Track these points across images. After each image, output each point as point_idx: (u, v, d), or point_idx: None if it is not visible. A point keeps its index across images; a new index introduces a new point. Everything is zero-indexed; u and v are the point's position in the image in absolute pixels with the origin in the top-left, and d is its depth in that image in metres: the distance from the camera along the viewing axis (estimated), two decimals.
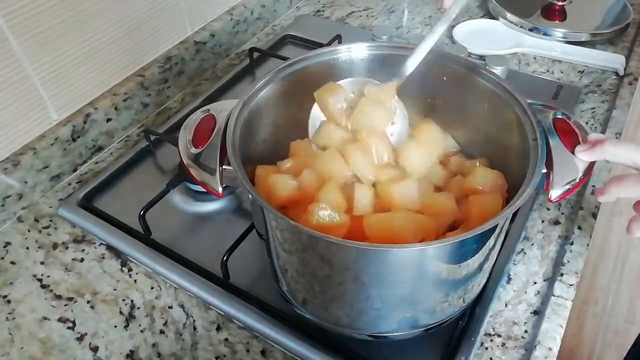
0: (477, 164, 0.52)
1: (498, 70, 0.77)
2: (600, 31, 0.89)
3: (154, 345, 0.52)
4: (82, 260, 0.59)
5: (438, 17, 0.98)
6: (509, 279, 0.57)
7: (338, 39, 0.88)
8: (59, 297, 0.56)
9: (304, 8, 1.03)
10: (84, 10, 0.65)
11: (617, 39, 0.90)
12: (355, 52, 0.54)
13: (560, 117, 0.47)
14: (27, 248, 0.60)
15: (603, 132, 0.73)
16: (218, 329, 0.53)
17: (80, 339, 0.52)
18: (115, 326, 0.53)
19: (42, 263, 0.59)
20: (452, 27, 0.93)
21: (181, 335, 0.53)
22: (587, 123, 0.75)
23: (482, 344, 0.51)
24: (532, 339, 0.51)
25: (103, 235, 0.60)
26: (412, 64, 0.50)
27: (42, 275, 0.58)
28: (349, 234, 0.44)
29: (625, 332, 1.44)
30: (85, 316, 0.54)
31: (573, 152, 0.44)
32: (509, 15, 0.93)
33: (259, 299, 0.54)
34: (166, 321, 0.54)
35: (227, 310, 0.53)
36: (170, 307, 0.55)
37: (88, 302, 0.55)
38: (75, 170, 0.70)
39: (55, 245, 0.61)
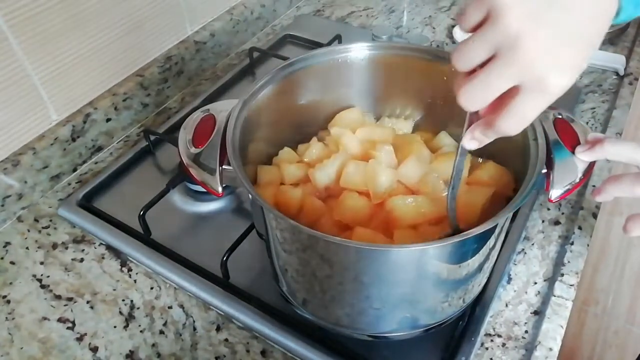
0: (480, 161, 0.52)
1: None
2: None
3: (153, 345, 0.52)
4: (81, 260, 0.59)
5: (436, 16, 0.98)
6: (510, 279, 0.57)
7: (338, 38, 0.88)
8: (58, 297, 0.56)
9: (304, 8, 1.03)
10: (84, 10, 0.65)
11: (617, 39, 0.90)
12: (355, 52, 0.54)
13: (560, 117, 0.47)
14: (27, 248, 0.60)
15: (603, 132, 0.73)
16: (218, 329, 0.53)
17: (79, 339, 0.52)
18: (115, 326, 0.53)
19: (41, 263, 0.59)
20: (452, 27, 0.92)
21: (181, 335, 0.53)
22: (587, 123, 0.75)
23: (482, 344, 0.51)
24: (533, 339, 0.51)
25: (103, 236, 0.60)
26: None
27: (41, 275, 0.58)
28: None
29: (625, 332, 1.44)
30: (84, 316, 0.54)
31: (573, 152, 0.44)
32: None
33: (259, 299, 0.54)
34: (166, 321, 0.54)
35: (227, 310, 0.53)
36: (170, 307, 0.55)
37: (88, 302, 0.55)
38: (74, 170, 0.69)
39: (54, 245, 0.61)
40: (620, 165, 0.44)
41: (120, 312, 0.54)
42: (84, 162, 0.70)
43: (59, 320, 0.54)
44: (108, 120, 0.72)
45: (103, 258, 0.59)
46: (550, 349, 0.50)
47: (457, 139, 0.56)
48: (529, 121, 0.33)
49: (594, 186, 0.65)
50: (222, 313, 0.54)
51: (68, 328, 0.53)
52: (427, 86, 0.54)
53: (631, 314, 1.48)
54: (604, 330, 1.45)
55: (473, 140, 0.38)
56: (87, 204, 0.64)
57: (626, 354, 1.41)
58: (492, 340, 0.51)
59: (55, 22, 0.62)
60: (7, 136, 0.62)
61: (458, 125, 0.55)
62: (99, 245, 0.61)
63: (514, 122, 0.33)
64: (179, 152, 0.46)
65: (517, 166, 0.47)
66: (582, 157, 0.43)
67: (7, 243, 0.61)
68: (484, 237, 0.42)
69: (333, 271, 0.42)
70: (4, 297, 0.56)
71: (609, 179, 0.44)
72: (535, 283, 0.56)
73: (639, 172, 0.42)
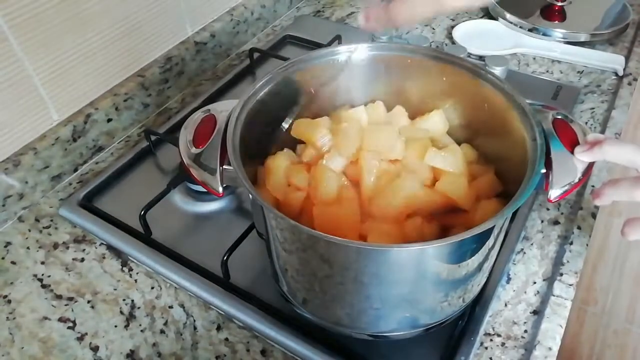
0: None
1: (497, 70, 0.77)
2: (599, 31, 0.89)
3: (154, 345, 0.52)
4: (82, 260, 0.59)
5: (436, 17, 0.98)
6: (509, 279, 0.57)
7: (338, 39, 0.88)
8: (59, 297, 0.56)
9: (304, 8, 1.03)
10: (85, 10, 0.65)
11: (616, 40, 0.90)
12: (355, 52, 0.54)
13: (559, 117, 0.47)
14: (28, 248, 0.60)
15: (602, 132, 0.73)
16: (218, 328, 0.53)
17: (80, 338, 0.53)
18: (116, 326, 0.53)
19: (42, 263, 0.59)
20: (452, 27, 0.93)
21: (181, 335, 0.53)
22: (586, 123, 0.75)
23: (481, 343, 0.51)
24: (532, 339, 0.51)
25: (103, 235, 0.60)
26: None
27: (42, 275, 0.58)
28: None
29: (624, 331, 1.45)
30: (85, 316, 0.54)
31: (572, 152, 0.44)
32: (508, 15, 0.93)
33: (259, 298, 0.54)
34: (166, 321, 0.54)
35: (228, 310, 0.53)
36: (171, 307, 0.55)
37: (88, 301, 0.55)
38: (75, 170, 0.70)
39: (55, 245, 0.61)
40: (619, 166, 0.44)
41: (121, 312, 0.54)
42: (85, 162, 0.71)
43: (60, 319, 0.54)
44: (109, 120, 0.72)
45: (104, 258, 0.59)
46: (550, 349, 0.50)
47: (457, 139, 0.56)
48: None
49: (593, 186, 0.65)
50: (223, 313, 0.54)
51: (69, 328, 0.53)
52: (427, 87, 0.54)
53: (630, 313, 1.48)
54: (603, 329, 1.45)
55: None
56: (88, 204, 0.64)
57: (625, 353, 1.41)
58: (491, 340, 0.52)
59: (55, 22, 0.62)
60: (8, 136, 0.62)
61: (458, 125, 0.55)
62: (99, 245, 0.61)
63: None
64: (180, 152, 0.46)
65: (515, 166, 0.47)
66: (581, 157, 0.43)
67: (8, 243, 0.61)
68: (483, 237, 0.42)
69: (333, 271, 0.42)
70: (5, 296, 0.56)
71: (607, 183, 0.44)
72: (535, 283, 0.56)
73: (638, 175, 0.42)
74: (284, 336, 0.51)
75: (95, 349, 0.52)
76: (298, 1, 1.04)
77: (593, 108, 0.78)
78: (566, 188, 0.43)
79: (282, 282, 0.49)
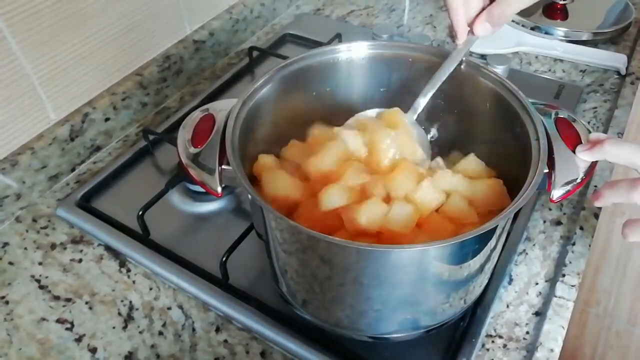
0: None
1: (499, 69, 0.77)
2: (602, 30, 0.88)
3: (152, 346, 0.51)
4: (80, 260, 0.59)
5: (438, 15, 0.97)
6: (511, 280, 0.56)
7: (338, 37, 0.87)
8: (57, 297, 0.55)
9: (303, 7, 1.02)
10: (83, 9, 0.64)
11: (619, 38, 0.90)
12: (355, 51, 0.54)
13: (562, 116, 0.47)
14: (25, 248, 0.60)
15: (605, 131, 0.73)
16: (217, 330, 0.53)
17: (78, 340, 0.52)
18: (114, 327, 0.53)
19: (40, 264, 0.58)
20: None
21: (180, 336, 0.52)
22: (589, 123, 0.75)
23: (483, 345, 0.51)
24: (534, 340, 0.51)
25: (101, 236, 0.60)
26: (425, 97, 0.51)
27: (40, 275, 0.57)
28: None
29: (627, 333, 1.44)
30: (83, 317, 0.54)
31: (574, 152, 0.43)
32: None
33: (258, 300, 0.54)
34: (165, 322, 0.53)
35: (227, 311, 0.53)
36: (169, 308, 0.54)
37: (86, 303, 0.55)
38: (73, 170, 0.69)
39: (53, 246, 0.60)
40: (622, 165, 0.44)
41: (119, 313, 0.54)
42: (83, 162, 0.70)
43: (58, 321, 0.54)
44: (107, 119, 0.71)
45: (102, 258, 0.59)
46: (552, 350, 0.50)
47: (459, 138, 0.56)
48: None
49: (595, 187, 0.64)
50: (222, 314, 0.54)
51: (67, 329, 0.53)
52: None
53: (633, 315, 1.47)
54: (606, 331, 1.44)
55: (486, 23, 0.45)
56: (85, 204, 0.63)
57: (628, 354, 1.41)
58: (493, 342, 0.51)
59: (53, 20, 0.62)
60: (6, 136, 0.61)
61: (459, 124, 0.55)
62: (97, 245, 0.60)
63: None
64: (178, 152, 0.46)
65: (518, 166, 0.47)
66: (582, 156, 0.43)
67: (6, 243, 0.61)
68: (485, 238, 0.41)
69: (333, 272, 0.41)
70: (3, 297, 0.55)
71: (606, 185, 0.44)
72: (537, 284, 0.56)
73: (636, 177, 0.42)
74: (283, 338, 0.50)
75: (93, 350, 0.51)
76: None
77: (596, 107, 0.77)
78: (569, 188, 0.42)
79: (282, 284, 0.48)
